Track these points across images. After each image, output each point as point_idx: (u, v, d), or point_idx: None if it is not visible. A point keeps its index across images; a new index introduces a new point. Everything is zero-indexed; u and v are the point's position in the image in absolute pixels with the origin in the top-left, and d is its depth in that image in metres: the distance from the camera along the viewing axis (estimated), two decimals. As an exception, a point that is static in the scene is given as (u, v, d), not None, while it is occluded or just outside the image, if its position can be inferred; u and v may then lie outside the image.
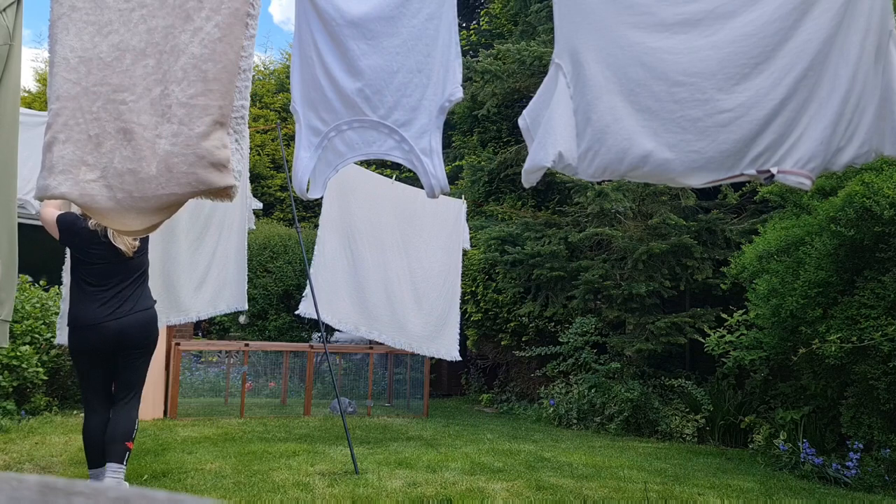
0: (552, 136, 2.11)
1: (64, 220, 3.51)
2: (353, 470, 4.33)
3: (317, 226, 5.60)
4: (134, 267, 3.55)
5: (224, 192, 1.74)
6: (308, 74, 2.51)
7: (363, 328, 5.47)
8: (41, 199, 1.83)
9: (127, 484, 3.47)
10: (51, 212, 3.55)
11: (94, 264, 3.46)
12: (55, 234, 3.53)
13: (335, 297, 5.13)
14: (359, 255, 5.48)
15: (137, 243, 3.53)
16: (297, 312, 5.43)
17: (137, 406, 3.59)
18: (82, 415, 6.09)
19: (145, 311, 3.56)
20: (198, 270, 4.53)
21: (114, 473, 3.37)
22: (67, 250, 3.74)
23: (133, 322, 3.47)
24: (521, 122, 2.24)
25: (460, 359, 5.96)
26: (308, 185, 2.54)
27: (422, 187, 2.52)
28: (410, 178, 13.77)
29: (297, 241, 10.56)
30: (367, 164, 12.28)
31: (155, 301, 3.71)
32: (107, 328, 3.40)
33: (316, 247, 5.27)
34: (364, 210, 5.56)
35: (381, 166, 12.81)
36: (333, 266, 5.17)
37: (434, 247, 5.86)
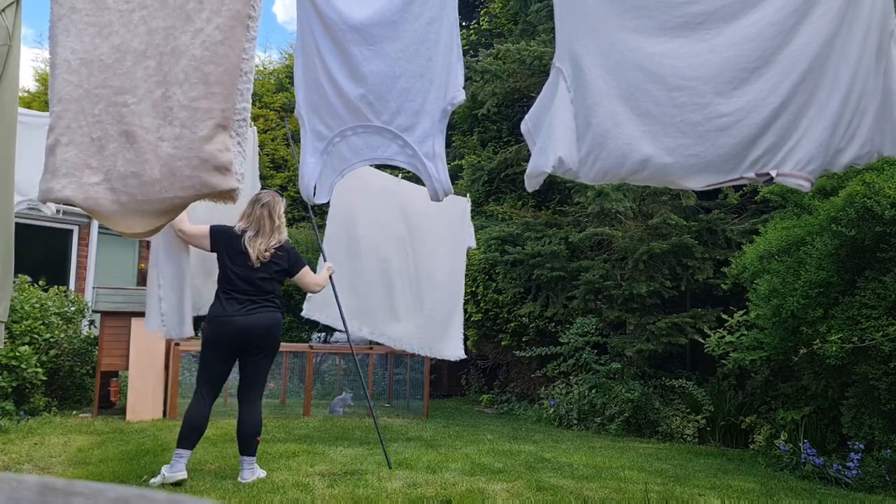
0: (553, 140, 2.11)
1: (215, 230, 3.97)
2: (352, 470, 4.33)
3: (320, 226, 5.60)
4: (266, 278, 4.01)
5: (227, 195, 1.74)
6: (311, 79, 2.50)
7: (366, 329, 5.46)
8: (44, 202, 1.82)
9: (260, 469, 4.09)
10: (196, 227, 3.95)
11: (232, 268, 3.94)
12: (205, 243, 3.97)
13: (340, 298, 5.10)
14: (363, 257, 5.48)
15: (268, 253, 3.97)
16: (301, 314, 5.47)
17: (261, 405, 4.10)
18: (81, 415, 6.11)
19: (270, 313, 4.00)
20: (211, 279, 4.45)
21: (249, 465, 3.99)
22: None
23: (259, 320, 3.93)
24: (523, 126, 2.24)
25: (465, 357, 5.93)
26: (315, 190, 2.54)
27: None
28: (410, 178, 13.76)
29: (297, 241, 10.56)
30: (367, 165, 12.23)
31: (279, 308, 4.12)
32: (235, 322, 3.87)
33: (324, 246, 5.25)
34: (371, 209, 5.56)
35: (380, 165, 12.79)
36: (338, 268, 5.14)
37: (439, 246, 5.81)
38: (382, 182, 5.76)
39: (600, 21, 2.13)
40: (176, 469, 3.81)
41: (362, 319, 5.41)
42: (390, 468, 3.82)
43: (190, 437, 3.88)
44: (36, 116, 4.95)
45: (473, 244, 6.14)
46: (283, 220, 4.16)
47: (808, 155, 2.02)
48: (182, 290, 4.03)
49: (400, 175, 5.90)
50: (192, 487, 3.83)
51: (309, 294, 5.21)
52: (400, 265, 5.63)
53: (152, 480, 3.85)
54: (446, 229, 5.90)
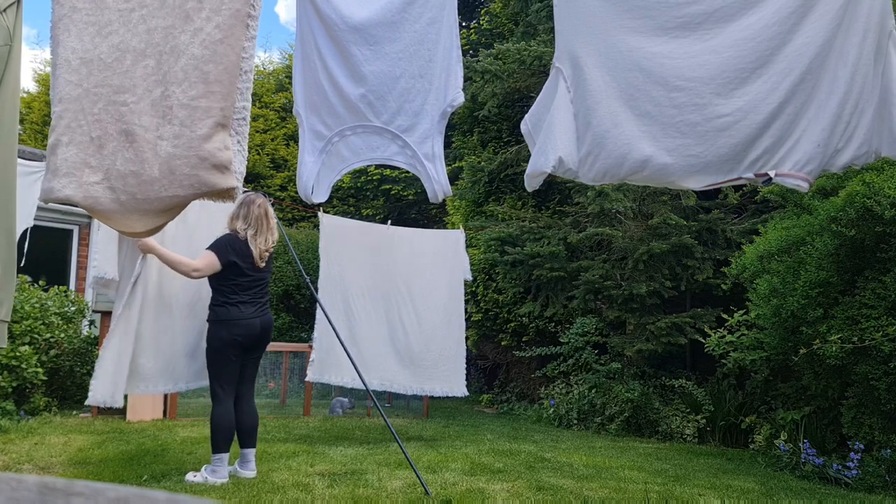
0: (552, 140, 2.11)
1: (220, 247, 3.99)
2: (352, 470, 4.33)
3: (316, 226, 5.68)
4: (267, 277, 4.18)
5: (226, 194, 1.74)
6: (311, 79, 2.50)
7: (375, 382, 5.60)
8: (45, 201, 1.82)
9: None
10: (202, 260, 3.95)
11: (244, 275, 4.01)
12: (217, 266, 3.95)
13: (342, 357, 5.11)
14: (359, 313, 5.67)
15: (267, 252, 4.07)
16: (306, 379, 5.70)
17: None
18: (81, 415, 6.11)
19: (270, 313, 4.20)
20: (190, 336, 4.39)
21: (252, 457, 4.14)
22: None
23: (268, 320, 4.13)
24: (523, 126, 2.24)
25: (468, 394, 6.18)
26: (313, 189, 2.54)
27: (423, 191, 2.54)
28: (410, 178, 13.62)
29: (297, 241, 10.55)
30: (366, 165, 12.19)
31: None
32: (254, 323, 4.01)
33: (318, 310, 5.33)
34: (363, 264, 5.73)
35: (381, 166, 12.80)
36: (337, 327, 5.19)
37: (437, 284, 6.00)
38: (372, 235, 5.96)
39: (600, 21, 2.13)
40: (221, 475, 3.94)
41: (370, 373, 5.55)
42: (429, 494, 3.78)
43: (228, 439, 3.99)
44: (25, 166, 5.03)
45: (469, 276, 6.29)
46: (275, 220, 4.25)
47: (807, 155, 2.03)
48: (122, 361, 4.03)
49: (389, 222, 6.10)
50: (192, 487, 3.83)
51: (313, 357, 5.51)
52: (403, 312, 5.82)
53: (192, 478, 3.92)
54: (442, 265, 6.07)
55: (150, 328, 4.22)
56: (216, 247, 4.01)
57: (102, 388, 3.98)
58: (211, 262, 3.97)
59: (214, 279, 4.04)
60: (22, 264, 5.84)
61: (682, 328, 7.02)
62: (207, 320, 4.05)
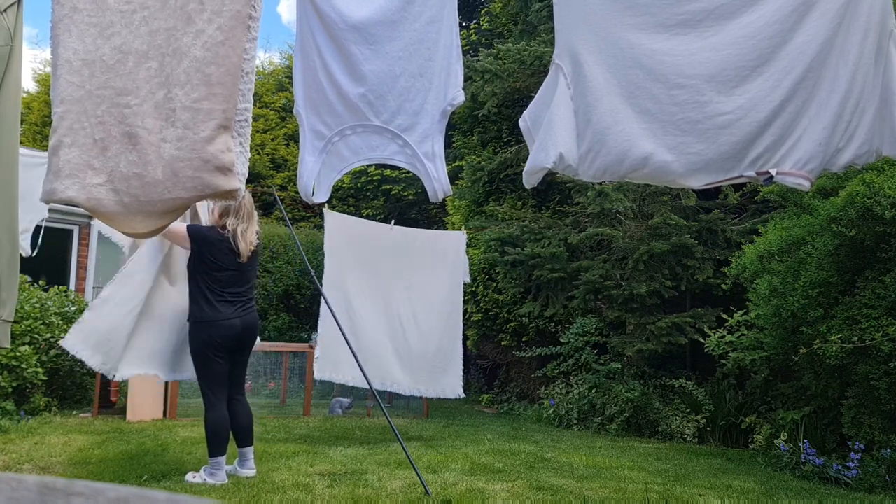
0: (553, 137, 2.11)
1: (196, 231, 3.91)
2: (352, 470, 4.33)
3: (316, 226, 5.69)
4: (251, 274, 4.09)
5: (229, 195, 1.75)
6: (311, 78, 2.50)
7: (376, 381, 5.65)
8: (48, 202, 1.83)
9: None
10: (175, 225, 3.82)
11: (223, 270, 3.91)
12: (185, 244, 3.91)
13: (344, 355, 5.13)
14: (361, 312, 5.73)
15: (252, 247, 3.98)
16: (314, 376, 5.74)
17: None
18: (81, 415, 6.10)
19: (255, 311, 4.11)
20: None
21: (251, 455, 4.15)
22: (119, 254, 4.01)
23: (251, 320, 4.03)
24: (521, 123, 2.24)
25: (464, 395, 6.23)
26: (314, 189, 2.54)
27: (423, 191, 2.54)
28: (410, 178, 13.61)
29: (297, 241, 10.54)
30: (366, 164, 12.23)
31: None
32: (234, 324, 3.90)
33: (322, 306, 5.36)
34: (365, 263, 5.78)
35: (381, 166, 12.80)
36: (338, 325, 5.21)
37: (436, 285, 6.03)
38: (375, 234, 5.99)
39: (600, 18, 2.13)
40: (220, 478, 3.94)
41: (371, 372, 5.58)
42: (429, 494, 3.77)
43: (224, 442, 3.97)
44: (31, 156, 4.99)
45: (468, 279, 6.34)
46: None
47: (808, 154, 2.03)
48: (119, 332, 3.96)
49: (393, 221, 6.13)
50: (192, 487, 3.84)
51: (317, 354, 5.51)
52: (402, 312, 5.88)
53: (191, 479, 3.92)
54: (443, 268, 6.10)
55: (155, 309, 4.14)
56: (193, 228, 3.91)
57: (82, 342, 3.89)
58: (177, 231, 3.86)
59: (193, 276, 3.94)
60: (34, 254, 5.82)
61: (682, 328, 7.02)
62: (187, 320, 3.96)
